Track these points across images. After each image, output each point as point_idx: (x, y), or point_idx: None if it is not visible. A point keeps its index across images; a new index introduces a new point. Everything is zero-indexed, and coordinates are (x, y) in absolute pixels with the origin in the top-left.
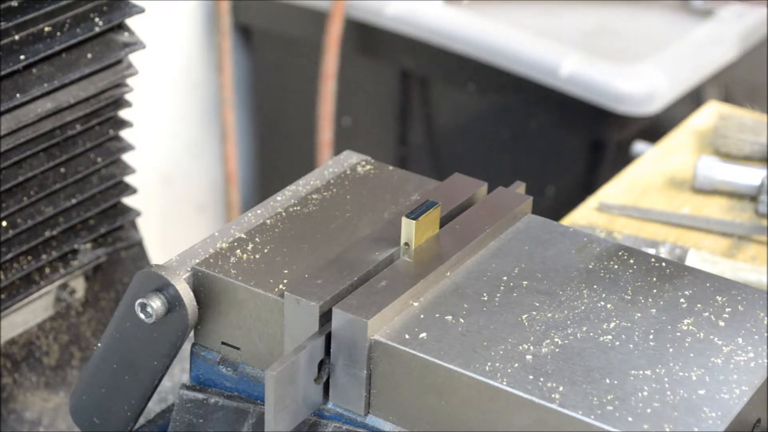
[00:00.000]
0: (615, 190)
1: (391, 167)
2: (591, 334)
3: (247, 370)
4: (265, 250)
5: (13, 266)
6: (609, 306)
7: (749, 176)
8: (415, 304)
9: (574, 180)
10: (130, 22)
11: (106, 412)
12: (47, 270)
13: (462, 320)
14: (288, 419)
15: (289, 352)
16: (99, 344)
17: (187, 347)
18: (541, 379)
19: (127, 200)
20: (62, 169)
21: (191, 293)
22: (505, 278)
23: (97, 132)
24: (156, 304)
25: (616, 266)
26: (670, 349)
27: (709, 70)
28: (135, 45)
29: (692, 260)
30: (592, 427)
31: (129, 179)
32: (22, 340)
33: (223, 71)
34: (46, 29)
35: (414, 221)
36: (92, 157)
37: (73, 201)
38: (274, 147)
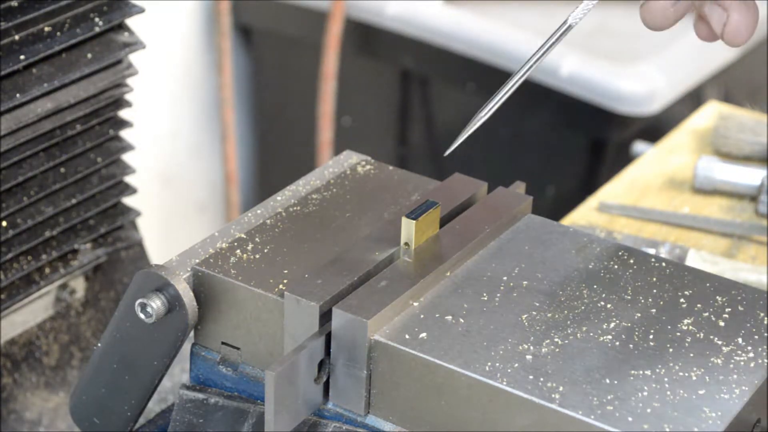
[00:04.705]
0: (615, 190)
1: (391, 167)
2: (591, 334)
3: (247, 370)
4: (265, 250)
5: (13, 266)
6: (609, 306)
7: (749, 176)
8: (415, 304)
9: (574, 180)
10: (130, 22)
11: (106, 412)
12: (47, 270)
13: (462, 320)
14: (288, 419)
15: (289, 352)
16: (99, 344)
17: (187, 347)
18: (541, 379)
19: (127, 200)
20: (62, 169)
21: (191, 293)
22: (505, 278)
23: (97, 132)
24: (156, 304)
25: (616, 266)
26: (670, 349)
27: (709, 70)
28: (135, 45)
29: (692, 260)
30: (592, 427)
31: (129, 179)
32: (22, 340)
33: (223, 71)
34: (46, 29)
35: (414, 221)
36: (92, 157)
37: (73, 201)
38: (274, 147)
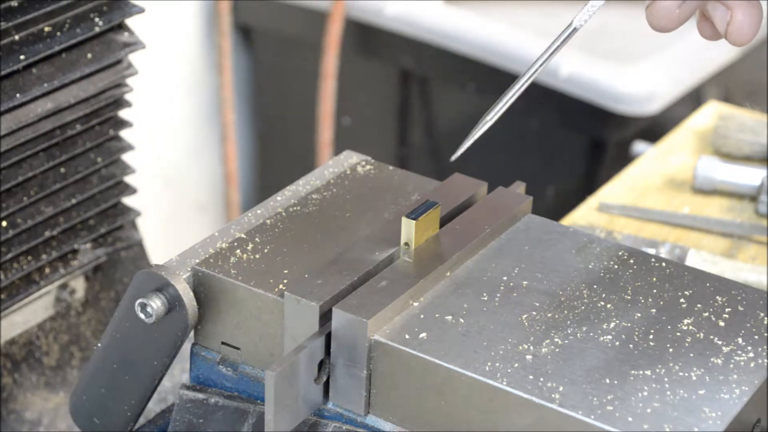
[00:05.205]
0: (615, 190)
1: (391, 167)
2: (591, 334)
3: (247, 370)
4: (265, 250)
5: (13, 266)
6: (609, 306)
7: (749, 176)
8: (415, 304)
9: (574, 180)
10: (130, 22)
11: (106, 412)
12: (47, 270)
13: (462, 320)
14: (288, 419)
15: (289, 352)
16: (99, 344)
17: (187, 347)
18: (541, 379)
19: (127, 200)
20: (62, 169)
21: (191, 293)
22: (505, 278)
23: (97, 132)
24: (156, 304)
25: (616, 266)
26: (670, 349)
27: (709, 70)
28: (135, 45)
29: (692, 260)
30: (592, 427)
31: (129, 179)
32: (22, 340)
33: (223, 71)
34: (46, 29)
35: (414, 221)
36: (92, 157)
37: (73, 201)
38: (274, 147)
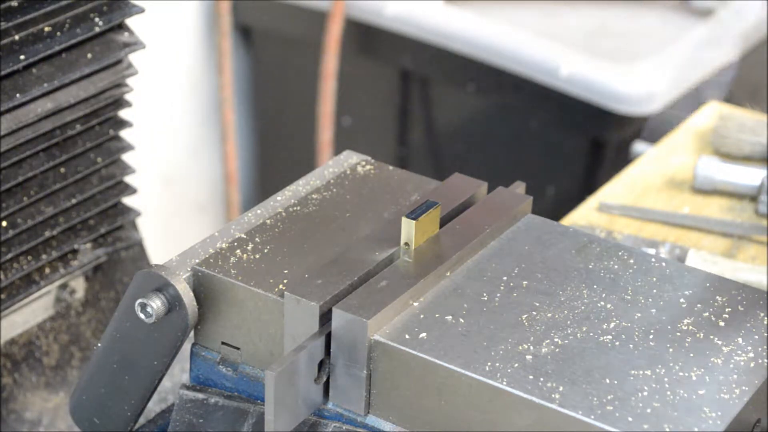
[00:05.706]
0: (615, 190)
1: (391, 167)
2: (591, 334)
3: (247, 370)
4: (265, 250)
5: (13, 266)
6: (609, 306)
7: (749, 176)
8: (415, 304)
9: (574, 180)
10: (130, 22)
11: (106, 412)
12: (47, 270)
13: (462, 320)
14: (288, 419)
15: (289, 352)
16: (99, 344)
17: (187, 347)
18: (541, 379)
19: (127, 200)
20: (62, 169)
21: (191, 293)
22: (505, 278)
23: (97, 132)
24: (156, 304)
25: (616, 266)
26: (670, 349)
27: (709, 70)
28: (135, 45)
29: (692, 260)
30: (592, 427)
31: (129, 179)
32: (22, 340)
33: (223, 71)
34: (46, 29)
35: (414, 221)
36: (92, 157)
37: (73, 201)
38: (274, 147)
